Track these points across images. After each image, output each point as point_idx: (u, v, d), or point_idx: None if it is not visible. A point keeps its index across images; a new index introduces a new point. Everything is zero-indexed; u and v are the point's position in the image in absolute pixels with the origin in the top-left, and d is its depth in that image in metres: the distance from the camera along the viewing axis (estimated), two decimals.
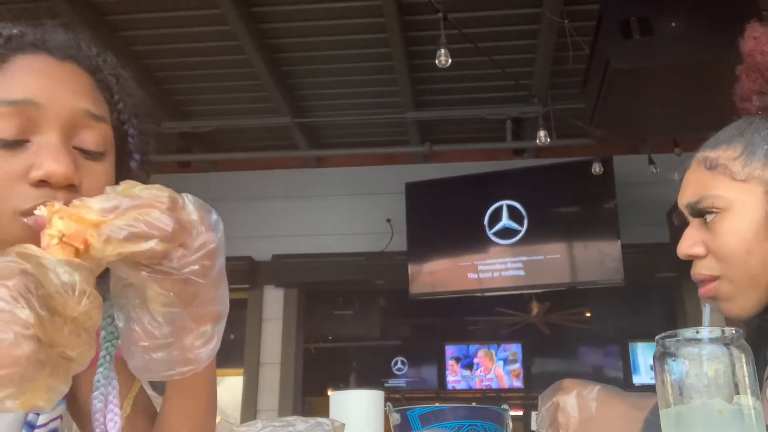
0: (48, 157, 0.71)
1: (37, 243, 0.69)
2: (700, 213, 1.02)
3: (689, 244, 1.02)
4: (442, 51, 2.95)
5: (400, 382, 7.53)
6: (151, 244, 0.61)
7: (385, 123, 4.65)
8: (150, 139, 0.88)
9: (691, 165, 1.06)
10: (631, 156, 4.35)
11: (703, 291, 1.02)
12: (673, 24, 2.85)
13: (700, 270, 1.02)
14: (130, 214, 0.61)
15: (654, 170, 4.03)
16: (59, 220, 0.60)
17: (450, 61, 2.97)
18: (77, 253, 0.59)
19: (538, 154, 4.67)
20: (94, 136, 0.76)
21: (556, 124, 4.00)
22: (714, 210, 1.00)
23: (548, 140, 3.76)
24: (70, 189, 0.73)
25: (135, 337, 0.65)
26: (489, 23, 3.69)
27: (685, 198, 1.04)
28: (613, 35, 2.91)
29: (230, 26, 3.61)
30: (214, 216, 0.67)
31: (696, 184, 1.03)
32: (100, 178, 0.77)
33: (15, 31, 0.78)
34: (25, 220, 0.70)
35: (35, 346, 0.49)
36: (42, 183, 0.72)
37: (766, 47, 1.03)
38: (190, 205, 0.65)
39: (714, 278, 1.01)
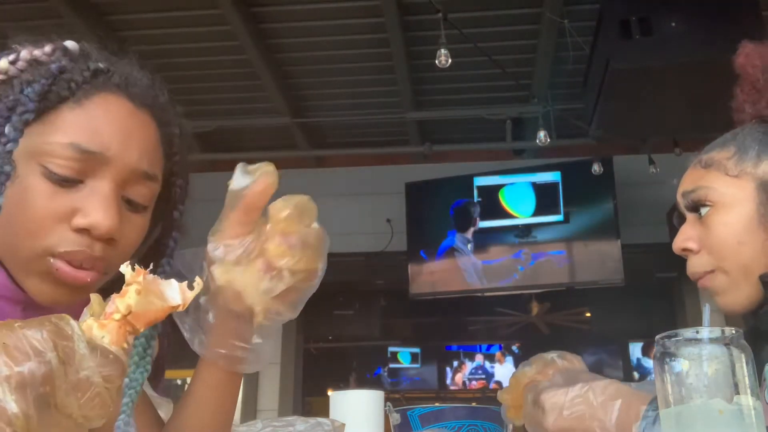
0: (97, 208, 0.72)
1: (56, 285, 0.71)
2: (695, 204, 1.06)
3: (683, 238, 1.07)
4: (442, 51, 2.95)
5: (401, 382, 7.53)
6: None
7: (385, 123, 4.66)
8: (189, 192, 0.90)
9: (688, 167, 1.12)
10: (631, 156, 4.35)
11: (701, 281, 1.06)
12: (673, 24, 2.85)
13: (693, 267, 1.07)
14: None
15: (654, 170, 4.03)
16: (134, 293, 0.58)
17: (450, 61, 2.97)
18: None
19: (538, 154, 4.67)
20: (143, 192, 0.77)
21: (556, 124, 4.00)
22: (707, 203, 1.04)
23: (548, 140, 3.76)
24: (109, 242, 0.73)
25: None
26: (489, 23, 3.69)
27: (681, 189, 1.10)
28: (613, 35, 2.91)
29: (230, 26, 3.61)
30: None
31: (692, 178, 1.09)
32: (138, 230, 0.78)
33: (101, 65, 0.78)
34: (52, 261, 0.70)
35: None
36: (83, 230, 0.72)
37: (757, 61, 1.09)
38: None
39: (708, 273, 1.05)
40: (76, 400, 0.51)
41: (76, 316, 0.55)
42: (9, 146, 0.69)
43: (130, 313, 0.57)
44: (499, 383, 7.41)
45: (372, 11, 3.58)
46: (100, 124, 0.74)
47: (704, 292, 1.07)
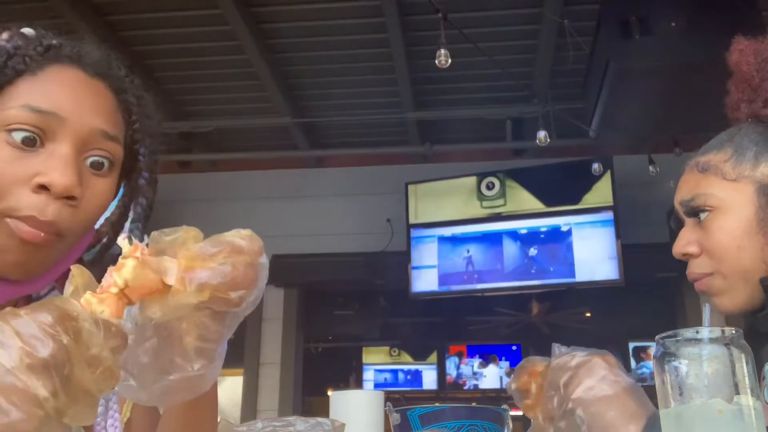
0: (56, 167, 0.75)
1: (18, 244, 0.72)
2: (694, 211, 1.06)
3: (683, 243, 1.06)
4: (442, 51, 2.95)
5: (401, 383, 7.53)
6: (239, 294, 0.64)
7: (385, 123, 4.66)
8: (159, 160, 0.92)
9: (684, 170, 1.11)
10: (631, 156, 4.35)
11: (698, 285, 1.07)
12: (673, 24, 2.85)
13: (693, 269, 1.06)
14: (226, 259, 0.64)
15: (654, 170, 4.03)
16: (131, 267, 0.60)
17: (450, 61, 2.97)
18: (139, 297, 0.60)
19: (538, 154, 4.67)
20: (104, 153, 0.80)
21: (556, 124, 4.00)
22: (706, 208, 1.04)
23: (548, 140, 3.76)
24: (67, 202, 0.76)
25: (160, 366, 0.67)
26: (489, 23, 3.69)
27: (679, 197, 1.09)
28: (613, 35, 2.91)
29: (230, 26, 3.61)
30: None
31: (689, 184, 1.08)
32: (101, 195, 0.81)
33: (54, 42, 0.82)
34: (10, 221, 0.73)
35: (43, 420, 0.51)
36: (41, 189, 0.74)
37: (751, 58, 1.07)
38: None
39: (706, 275, 1.05)
40: (91, 375, 0.54)
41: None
42: None
43: (126, 286, 0.60)
44: (498, 384, 7.41)
45: (372, 11, 3.58)
46: (53, 88, 0.78)
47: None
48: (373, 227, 4.74)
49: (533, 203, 4.42)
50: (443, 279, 4.46)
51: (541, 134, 3.72)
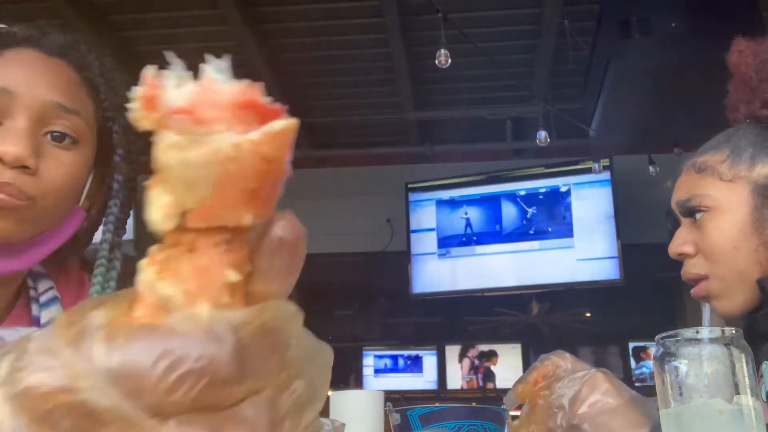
0: (8, 140, 0.77)
1: None
2: (690, 211, 1.06)
3: (679, 243, 1.06)
4: (442, 51, 2.95)
5: (400, 368, 7.53)
6: None
7: (385, 123, 4.66)
8: (140, 139, 0.91)
9: (682, 171, 1.11)
10: (631, 156, 4.35)
11: (695, 291, 1.06)
12: (673, 24, 2.85)
13: (689, 269, 1.06)
14: None
15: (654, 170, 4.03)
16: (162, 281, 0.50)
17: (450, 61, 2.97)
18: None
19: (538, 154, 4.67)
20: (65, 125, 0.81)
21: (556, 124, 4.00)
22: (702, 208, 1.03)
23: (548, 140, 3.76)
24: (23, 171, 0.77)
25: None
26: (489, 23, 3.69)
27: (676, 197, 1.09)
28: (613, 35, 2.92)
29: (230, 26, 3.61)
30: None
31: (686, 185, 1.08)
32: (65, 167, 0.81)
33: (13, 29, 0.85)
34: None
35: None
36: None
37: (750, 59, 1.07)
38: None
39: (703, 277, 1.04)
40: None
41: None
42: None
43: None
44: (498, 383, 7.41)
45: (372, 11, 3.58)
46: (8, 68, 0.81)
47: None
48: (373, 227, 4.74)
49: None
50: (442, 242, 4.49)
51: (541, 134, 3.73)
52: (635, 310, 6.26)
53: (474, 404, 1.22)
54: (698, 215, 1.04)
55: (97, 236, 0.93)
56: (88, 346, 0.24)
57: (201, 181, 0.26)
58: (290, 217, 0.31)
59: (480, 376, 7.51)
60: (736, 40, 1.11)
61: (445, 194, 4.59)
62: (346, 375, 7.81)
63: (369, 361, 7.56)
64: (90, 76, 0.87)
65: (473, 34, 3.39)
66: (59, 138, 0.81)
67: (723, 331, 0.68)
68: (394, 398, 6.91)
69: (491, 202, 4.53)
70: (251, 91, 0.28)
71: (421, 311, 6.79)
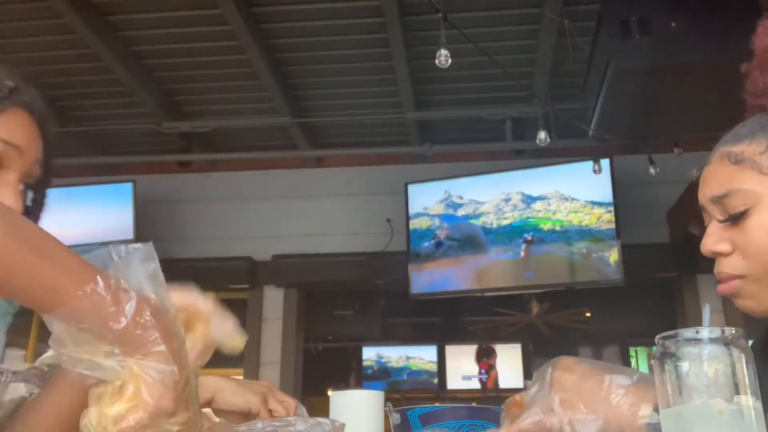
0: (7, 195, 0.90)
1: None
2: (728, 208, 0.96)
3: (714, 240, 0.97)
4: (442, 51, 2.95)
5: (400, 382, 7.53)
6: None
7: (385, 123, 4.65)
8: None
9: (711, 160, 1.01)
10: (631, 156, 4.35)
11: (724, 288, 0.98)
12: (673, 24, 2.85)
13: (724, 269, 0.97)
14: None
15: (654, 170, 4.03)
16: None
17: (450, 61, 2.97)
18: None
19: (538, 154, 4.67)
20: (36, 178, 0.98)
21: (556, 124, 4.00)
22: (742, 207, 0.95)
23: (548, 140, 3.76)
24: None
25: None
26: (489, 23, 3.69)
27: (709, 191, 0.98)
28: (613, 35, 2.91)
29: (230, 26, 3.61)
30: None
31: (721, 177, 0.98)
32: (29, 207, 0.98)
33: (12, 84, 0.98)
34: None
35: None
36: None
37: None
38: None
39: (737, 277, 0.96)
40: None
41: None
42: None
43: None
44: (499, 383, 7.41)
45: (372, 11, 3.58)
46: (17, 128, 0.95)
47: (704, 291, 1.04)
48: (373, 227, 4.74)
49: None
50: (442, 242, 4.52)
51: (541, 134, 3.73)
52: (635, 310, 6.26)
53: (474, 404, 1.22)
54: (737, 211, 0.95)
55: None
56: None
57: None
58: None
59: (480, 376, 7.52)
60: (763, 20, 1.01)
61: None
62: (346, 375, 7.81)
63: (367, 354, 7.57)
64: (44, 126, 1.01)
65: (473, 34, 3.39)
66: (31, 188, 0.97)
67: (723, 331, 0.68)
68: (394, 398, 6.92)
69: None
70: None
71: (421, 311, 6.79)
